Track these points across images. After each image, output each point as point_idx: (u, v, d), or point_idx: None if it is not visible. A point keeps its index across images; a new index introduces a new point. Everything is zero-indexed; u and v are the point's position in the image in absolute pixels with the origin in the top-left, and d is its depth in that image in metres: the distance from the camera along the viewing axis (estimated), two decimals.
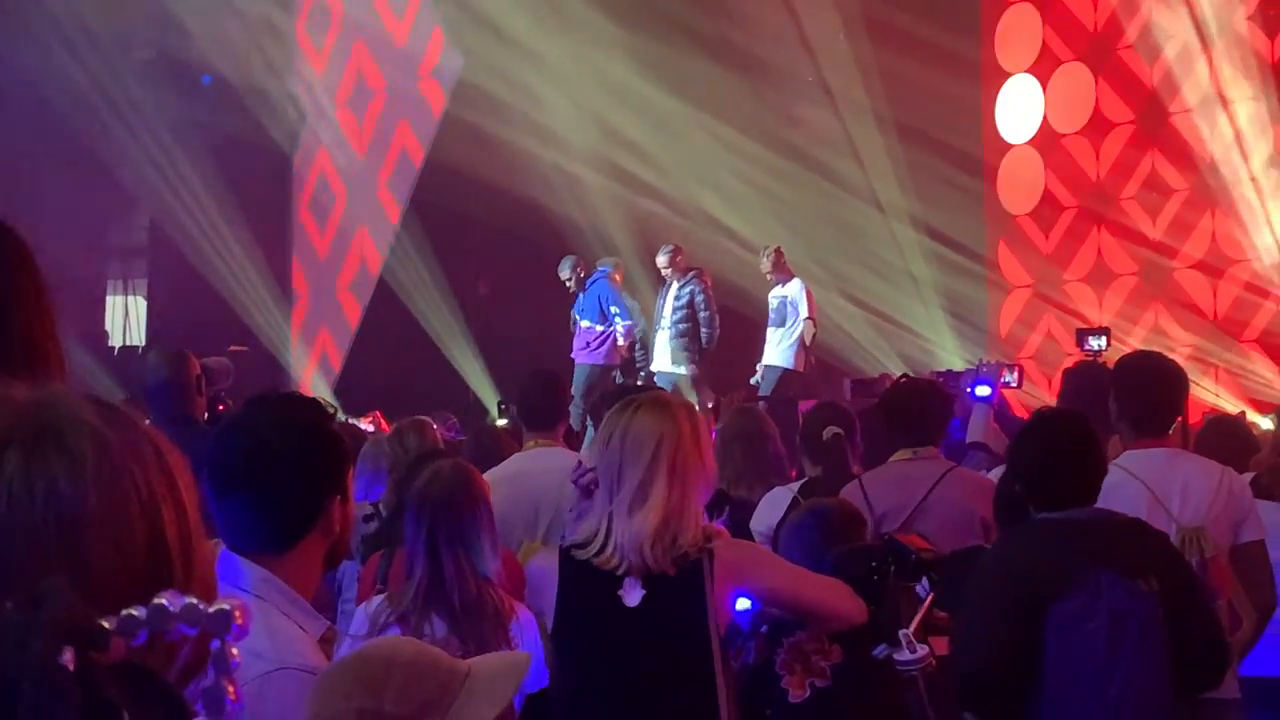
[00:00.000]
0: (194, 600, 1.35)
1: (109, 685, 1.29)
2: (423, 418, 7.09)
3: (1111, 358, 8.87)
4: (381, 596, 4.40)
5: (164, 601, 1.34)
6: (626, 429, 3.86)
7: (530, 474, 6.33)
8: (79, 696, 1.27)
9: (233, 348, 12.90)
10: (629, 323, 13.41)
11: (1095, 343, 9.35)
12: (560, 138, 15.29)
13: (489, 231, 15.71)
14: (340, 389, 14.51)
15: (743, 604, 3.98)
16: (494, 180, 15.49)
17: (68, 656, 1.28)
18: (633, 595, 3.82)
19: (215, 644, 1.38)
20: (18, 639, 1.30)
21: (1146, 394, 5.30)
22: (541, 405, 6.59)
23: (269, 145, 16.34)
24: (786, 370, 13.02)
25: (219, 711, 1.38)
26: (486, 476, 6.25)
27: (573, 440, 7.37)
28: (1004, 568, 4.25)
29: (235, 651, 1.38)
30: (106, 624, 1.32)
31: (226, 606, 1.37)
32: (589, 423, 10.32)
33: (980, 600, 4.26)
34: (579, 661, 3.90)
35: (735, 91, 15.20)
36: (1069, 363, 9.61)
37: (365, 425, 9.17)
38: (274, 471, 2.66)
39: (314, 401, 2.81)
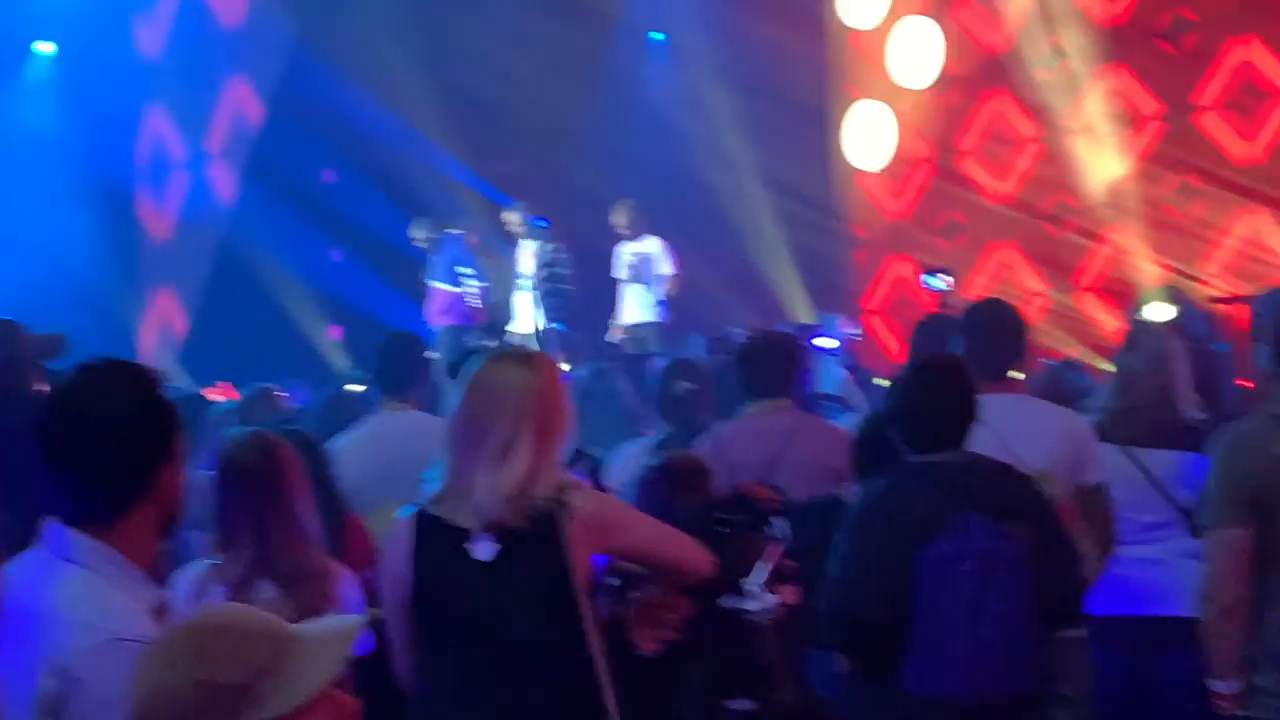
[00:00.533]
0: None
1: None
2: (270, 386, 7.01)
3: (959, 305, 9.01)
4: (204, 563, 4.33)
5: None
6: (488, 381, 3.80)
7: (386, 438, 6.27)
8: None
9: (76, 321, 12.63)
10: (482, 284, 13.33)
11: (937, 282, 9.39)
12: (407, 99, 15.10)
13: (340, 197, 15.52)
14: (188, 359, 14.25)
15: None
16: (344, 146, 15.32)
17: None
18: (484, 550, 3.76)
19: None
20: None
21: (991, 340, 5.39)
22: (397, 369, 6.52)
23: (113, 117, 15.98)
24: (655, 325, 13.05)
25: None
26: (340, 441, 6.22)
27: (430, 405, 7.30)
28: (879, 509, 4.31)
29: None
30: None
31: None
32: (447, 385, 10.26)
33: (856, 541, 4.32)
34: (437, 621, 3.84)
35: (582, 49, 15.15)
36: (919, 314, 9.74)
37: (215, 396, 9.03)
38: (100, 439, 2.61)
39: (140, 367, 2.75)
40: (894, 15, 14.94)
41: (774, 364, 6.05)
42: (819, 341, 7.42)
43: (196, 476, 4.36)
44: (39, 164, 15.18)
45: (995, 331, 5.47)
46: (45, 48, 16.14)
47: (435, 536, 3.81)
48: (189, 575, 4.31)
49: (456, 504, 3.78)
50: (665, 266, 13.09)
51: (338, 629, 2.18)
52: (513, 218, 13.57)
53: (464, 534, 3.77)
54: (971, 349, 5.28)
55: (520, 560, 3.75)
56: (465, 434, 3.79)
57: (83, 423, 2.63)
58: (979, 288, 13.11)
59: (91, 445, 2.61)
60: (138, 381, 2.70)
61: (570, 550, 3.74)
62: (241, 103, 16.44)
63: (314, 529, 4.37)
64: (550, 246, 13.31)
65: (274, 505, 4.28)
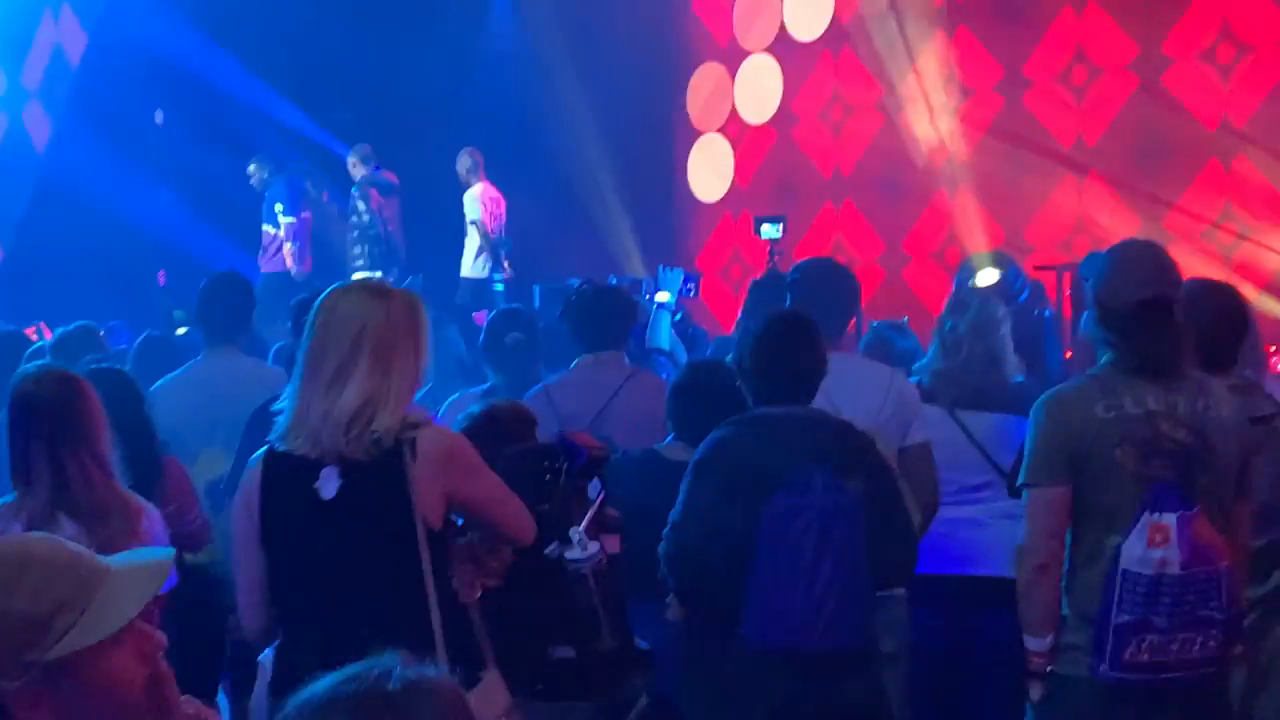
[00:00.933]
0: None
1: None
2: (89, 324, 6.84)
3: (789, 259, 9.07)
4: (2, 500, 4.20)
5: None
6: (328, 309, 3.73)
7: (208, 382, 6.20)
8: None
9: None
10: (289, 221, 13.10)
11: (771, 230, 9.37)
12: (243, 42, 14.76)
13: (170, 139, 15.17)
14: (3, 298, 13.82)
15: None
16: (174, 86, 14.96)
17: None
18: (329, 486, 3.69)
19: None
20: None
21: (823, 300, 5.42)
22: (221, 312, 6.42)
23: None
24: (472, 280, 12.94)
25: None
26: (162, 383, 6.10)
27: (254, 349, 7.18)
28: (725, 458, 4.35)
29: None
30: None
31: None
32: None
33: (700, 488, 4.36)
34: (283, 559, 3.78)
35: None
36: (751, 275, 9.78)
37: (31, 335, 8.78)
38: None
39: None
40: None
41: (605, 316, 6.06)
42: (658, 296, 7.40)
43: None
44: None
45: (827, 291, 5.52)
46: None
47: (281, 472, 3.76)
48: None
49: (299, 436, 3.72)
50: (476, 211, 12.96)
51: (147, 564, 2.12)
52: (352, 160, 13.39)
53: (309, 468, 3.71)
54: (802, 307, 5.30)
55: (362, 497, 3.69)
56: (306, 364, 3.74)
57: None
58: (812, 251, 13.22)
59: None
60: None
61: (413, 488, 3.67)
62: (64, 37, 15.94)
63: (113, 464, 4.26)
64: (355, 190, 13.20)
65: (70, 440, 4.17)
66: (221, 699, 5.64)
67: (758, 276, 7.65)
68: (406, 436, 3.70)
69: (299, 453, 3.73)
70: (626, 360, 6.17)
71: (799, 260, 6.10)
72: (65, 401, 4.19)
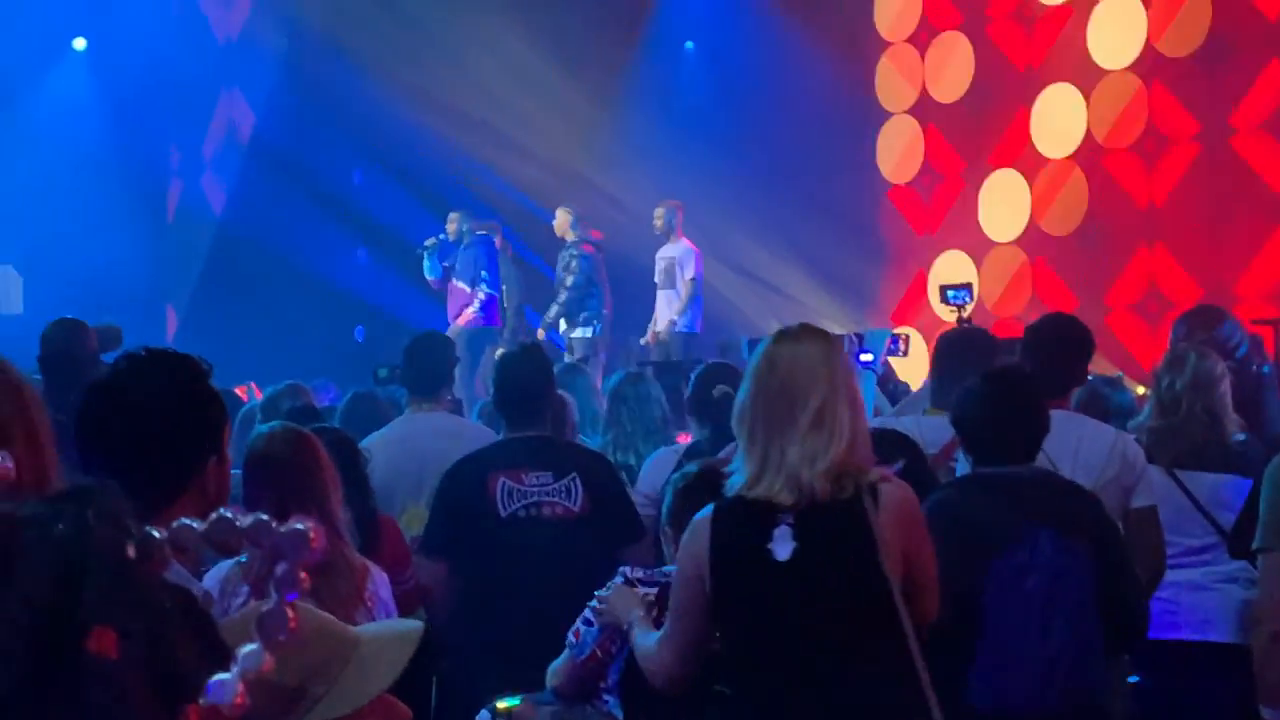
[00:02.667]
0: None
1: (160, 591, 1.23)
2: (296, 382, 6.94)
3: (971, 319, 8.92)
4: (232, 562, 4.15)
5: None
6: (789, 354, 3.58)
7: (414, 438, 6.23)
8: (138, 587, 1.21)
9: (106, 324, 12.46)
10: (491, 292, 13.15)
11: (958, 296, 9.21)
12: (437, 99, 14.95)
13: (367, 197, 15.42)
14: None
15: None
16: (370, 146, 15.22)
17: (130, 548, 1.23)
18: (783, 548, 3.52)
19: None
20: (78, 523, 1.25)
21: (1056, 356, 5.30)
22: (425, 369, 6.49)
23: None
24: (688, 335, 12.89)
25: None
26: (368, 441, 6.15)
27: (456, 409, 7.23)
28: (950, 518, 4.25)
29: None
30: (157, 534, 1.26)
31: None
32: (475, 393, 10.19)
33: None
34: (738, 622, 3.64)
35: (618, 55, 15.05)
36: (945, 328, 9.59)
37: (241, 394, 8.94)
38: (148, 429, 2.51)
39: (187, 358, 2.66)
40: (927, 29, 14.82)
41: None
42: (862, 357, 7.30)
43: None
44: (78, 161, 15.08)
45: (1062, 347, 5.39)
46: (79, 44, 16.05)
47: (731, 531, 3.59)
48: (216, 574, 4.20)
49: (768, 484, 3.54)
50: (689, 270, 12.89)
51: (397, 634, 2.09)
52: (562, 219, 13.36)
53: (760, 525, 3.54)
54: (1035, 364, 5.18)
55: (823, 552, 3.53)
56: (771, 411, 3.56)
57: (129, 411, 2.54)
58: (1003, 306, 13.03)
59: (138, 435, 2.52)
60: (186, 371, 2.61)
61: (880, 540, 3.50)
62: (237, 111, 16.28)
63: (344, 525, 4.24)
64: (573, 253, 13.14)
65: (299, 498, 4.06)
66: None
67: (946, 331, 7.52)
68: (867, 484, 3.54)
69: (755, 500, 3.55)
70: None
71: (991, 313, 5.97)
72: (297, 459, 4.16)
